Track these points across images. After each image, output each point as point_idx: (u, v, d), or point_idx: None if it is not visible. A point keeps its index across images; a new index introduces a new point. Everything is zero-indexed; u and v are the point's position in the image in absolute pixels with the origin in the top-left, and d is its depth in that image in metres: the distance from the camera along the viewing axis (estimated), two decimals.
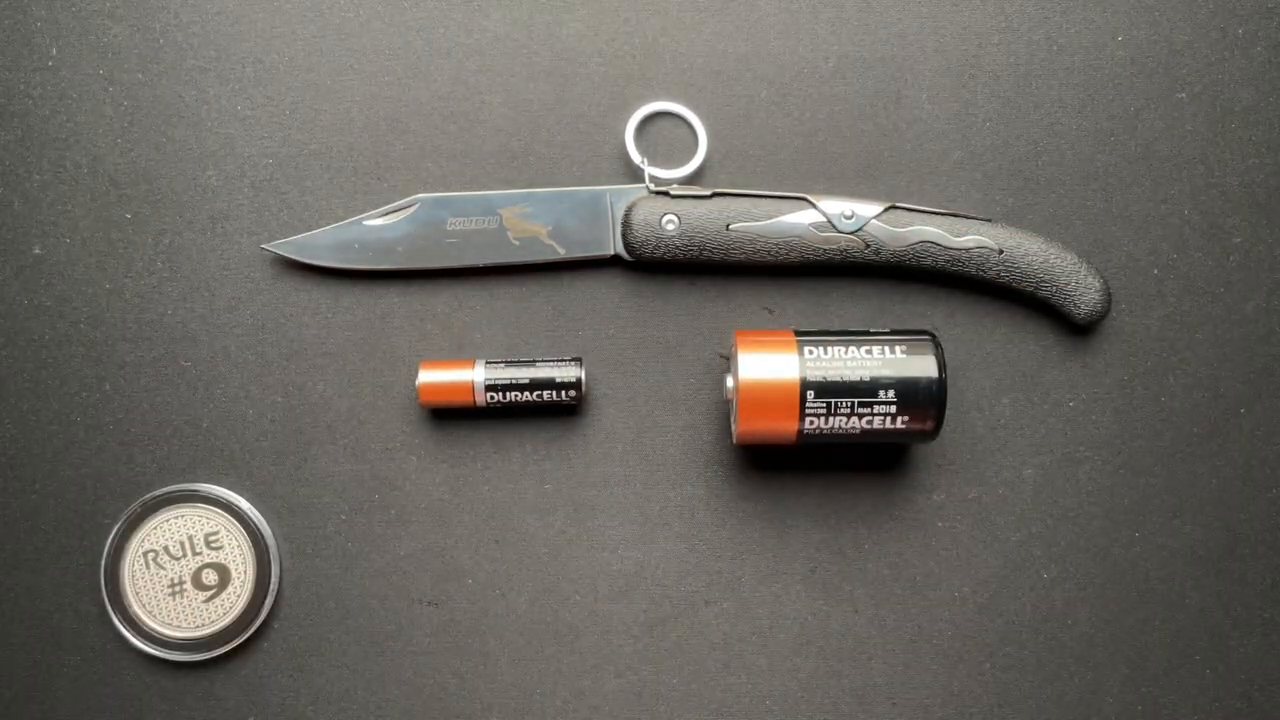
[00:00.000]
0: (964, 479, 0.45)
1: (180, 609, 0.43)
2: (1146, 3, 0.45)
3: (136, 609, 0.43)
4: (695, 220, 0.43)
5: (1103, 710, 0.44)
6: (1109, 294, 0.44)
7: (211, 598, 0.43)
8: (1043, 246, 0.43)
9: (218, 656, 0.43)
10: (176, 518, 0.43)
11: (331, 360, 0.44)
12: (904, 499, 0.45)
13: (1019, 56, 0.45)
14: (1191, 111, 0.45)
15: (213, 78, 0.44)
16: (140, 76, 0.44)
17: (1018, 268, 0.43)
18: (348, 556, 0.44)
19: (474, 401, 0.43)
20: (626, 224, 0.43)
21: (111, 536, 0.43)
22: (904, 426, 0.40)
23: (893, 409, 0.40)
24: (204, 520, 0.43)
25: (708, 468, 0.44)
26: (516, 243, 0.44)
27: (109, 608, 0.43)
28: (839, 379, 0.40)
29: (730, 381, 0.42)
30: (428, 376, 0.43)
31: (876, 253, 0.43)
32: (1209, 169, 0.45)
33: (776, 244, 0.43)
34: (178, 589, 0.43)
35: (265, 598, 0.43)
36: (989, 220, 0.43)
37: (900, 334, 0.41)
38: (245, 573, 0.43)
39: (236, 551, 0.43)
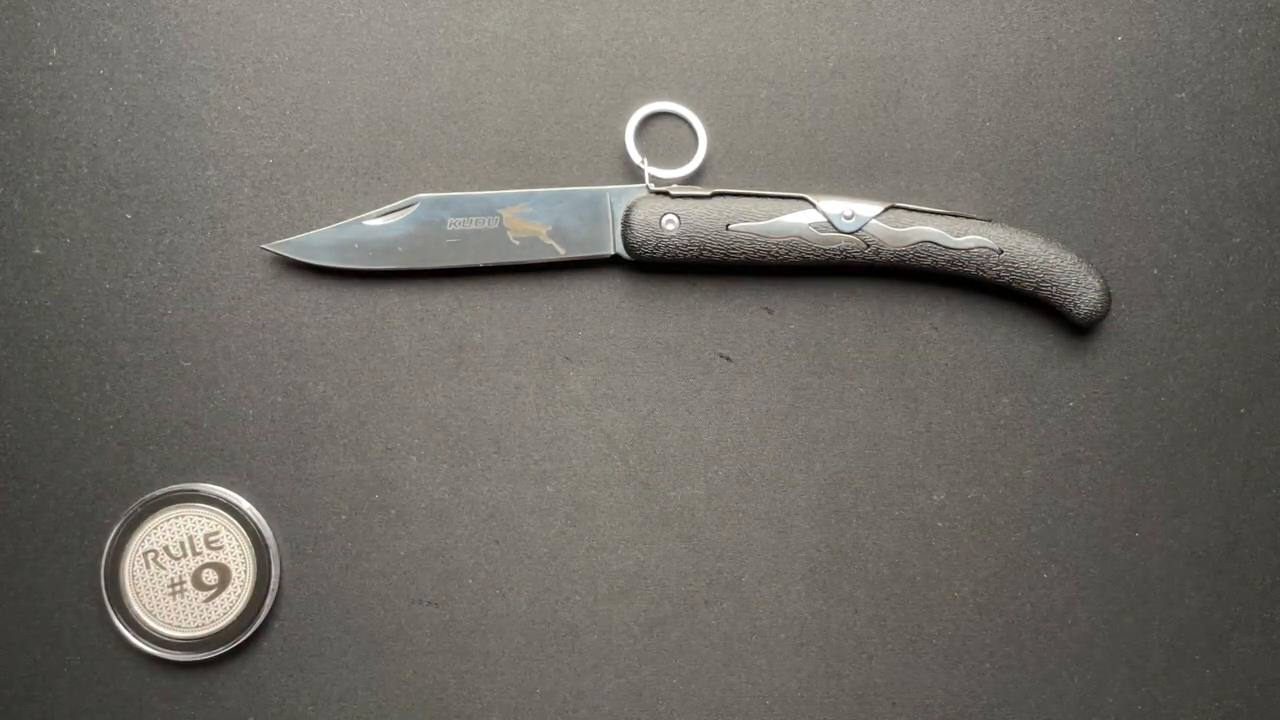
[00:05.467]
0: (964, 479, 0.45)
1: (180, 609, 0.43)
2: (1146, 3, 0.45)
3: (136, 609, 0.43)
4: (695, 220, 0.43)
5: (1103, 710, 0.44)
6: (1109, 294, 0.44)
7: (211, 598, 0.43)
8: (1043, 246, 0.43)
9: (218, 656, 0.43)
10: (176, 518, 0.43)
11: (331, 360, 0.44)
12: (904, 499, 0.45)
13: (1019, 56, 0.45)
14: (1191, 111, 0.45)
15: (213, 78, 0.44)
16: (140, 76, 0.44)
17: (1018, 268, 0.43)
18: (348, 556, 0.44)
19: None
20: (626, 224, 0.43)
21: (111, 536, 0.43)
22: None
23: None
24: (204, 520, 0.43)
25: (708, 468, 0.44)
26: (516, 243, 0.44)
27: (109, 608, 0.43)
28: None
29: None
30: None
31: (876, 253, 0.43)
32: (1209, 169, 0.45)
33: (776, 244, 0.43)
34: (178, 589, 0.43)
35: (265, 598, 0.43)
36: (989, 220, 0.43)
37: None
38: (245, 573, 0.43)
39: (236, 551, 0.43)
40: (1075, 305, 0.43)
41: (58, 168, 0.44)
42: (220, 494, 0.43)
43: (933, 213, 0.43)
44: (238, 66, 0.44)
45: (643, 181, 0.44)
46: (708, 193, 0.43)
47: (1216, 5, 0.45)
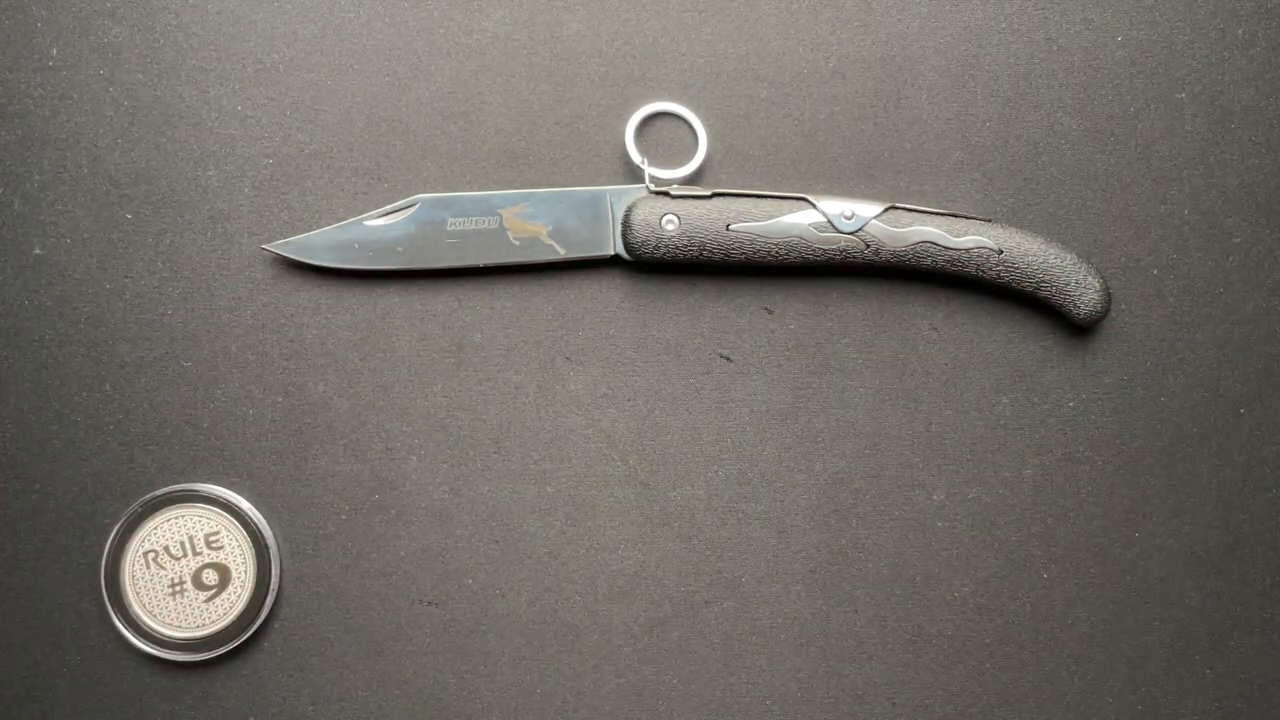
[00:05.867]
0: (964, 479, 0.45)
1: (180, 609, 0.43)
2: (1146, 3, 0.45)
3: (136, 609, 0.43)
4: (695, 220, 0.43)
5: (1103, 710, 0.44)
6: (1109, 294, 0.44)
7: (212, 598, 0.43)
8: (1043, 246, 0.43)
9: (218, 656, 0.43)
10: (176, 518, 0.43)
11: (331, 360, 0.44)
12: (904, 499, 0.45)
13: (1019, 56, 0.45)
14: (1191, 111, 0.45)
15: (213, 78, 0.44)
16: (140, 76, 0.44)
17: (1018, 268, 0.43)
18: (348, 556, 0.44)
19: None
20: (626, 224, 0.43)
21: (111, 536, 0.43)
22: None
23: None
24: (204, 520, 0.43)
25: (708, 468, 0.44)
26: (516, 243, 0.44)
27: (109, 608, 0.43)
28: None
29: None
30: None
31: (876, 253, 0.43)
32: (1209, 169, 0.45)
33: (776, 244, 0.43)
34: (178, 589, 0.43)
35: (265, 598, 0.43)
36: (989, 220, 0.44)
37: None
38: (245, 573, 0.43)
39: (236, 551, 0.43)
40: (1075, 305, 0.43)
41: (58, 168, 0.44)
42: (220, 494, 0.43)
43: (933, 213, 0.43)
44: (238, 66, 0.44)
45: (643, 181, 0.44)
46: (708, 193, 0.43)
47: (1216, 5, 0.45)
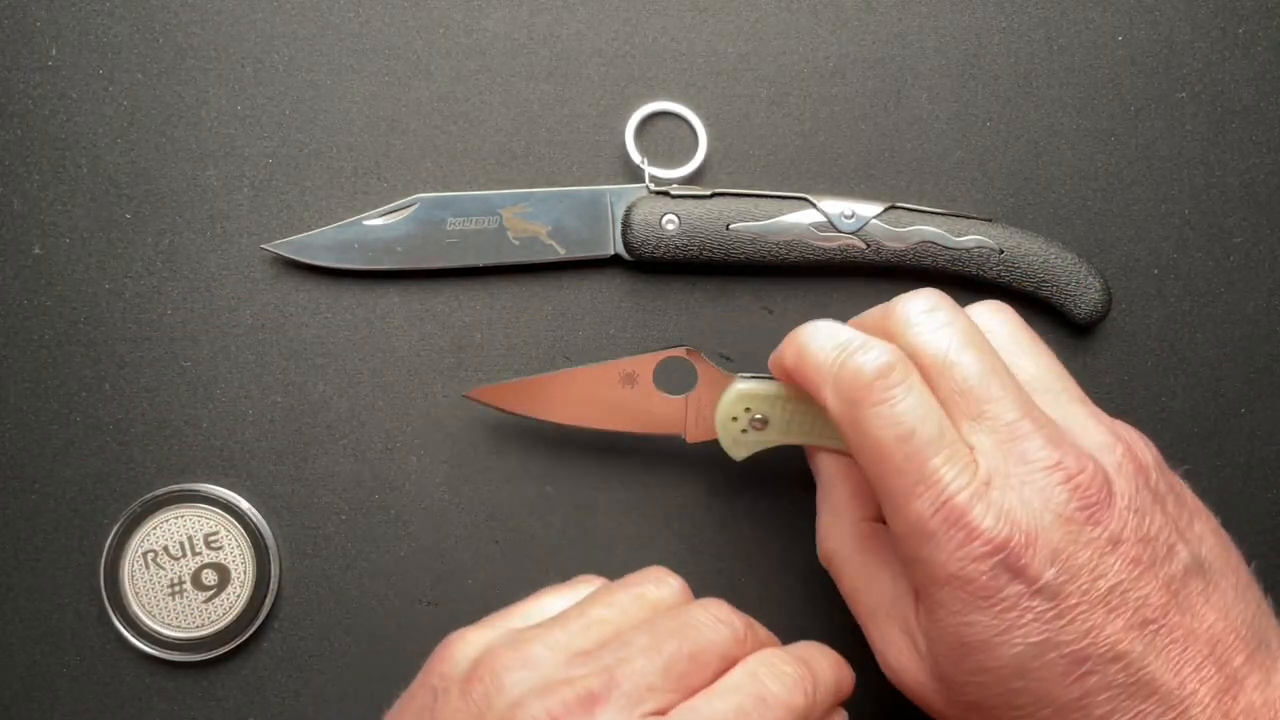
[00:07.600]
0: None
1: (180, 609, 0.43)
2: (1146, 3, 0.45)
3: (136, 609, 0.43)
4: (695, 220, 0.43)
5: None
6: (1109, 294, 0.44)
7: (211, 598, 0.43)
8: (1043, 246, 0.43)
9: (218, 656, 0.43)
10: (176, 518, 0.43)
11: (331, 360, 0.44)
12: None
13: (1019, 56, 0.45)
14: (1191, 111, 0.45)
15: (213, 78, 0.44)
16: (140, 76, 0.44)
17: (1018, 268, 0.43)
18: (348, 556, 0.44)
19: None
20: (626, 224, 0.43)
21: (111, 536, 0.43)
22: None
23: None
24: (204, 520, 0.43)
25: (708, 468, 0.44)
26: (516, 243, 0.44)
27: (109, 608, 0.43)
28: None
29: None
30: None
31: (876, 253, 0.43)
32: (1209, 169, 0.45)
33: (776, 244, 0.43)
34: (178, 589, 0.43)
35: (265, 598, 0.43)
36: (989, 220, 0.44)
37: None
38: (245, 573, 0.43)
39: (236, 551, 0.43)
40: (1075, 305, 0.43)
41: (58, 168, 0.44)
42: (220, 494, 0.43)
43: (933, 213, 0.43)
44: (238, 66, 0.44)
45: (643, 181, 0.44)
46: (708, 193, 0.43)
47: (1216, 5, 0.45)
